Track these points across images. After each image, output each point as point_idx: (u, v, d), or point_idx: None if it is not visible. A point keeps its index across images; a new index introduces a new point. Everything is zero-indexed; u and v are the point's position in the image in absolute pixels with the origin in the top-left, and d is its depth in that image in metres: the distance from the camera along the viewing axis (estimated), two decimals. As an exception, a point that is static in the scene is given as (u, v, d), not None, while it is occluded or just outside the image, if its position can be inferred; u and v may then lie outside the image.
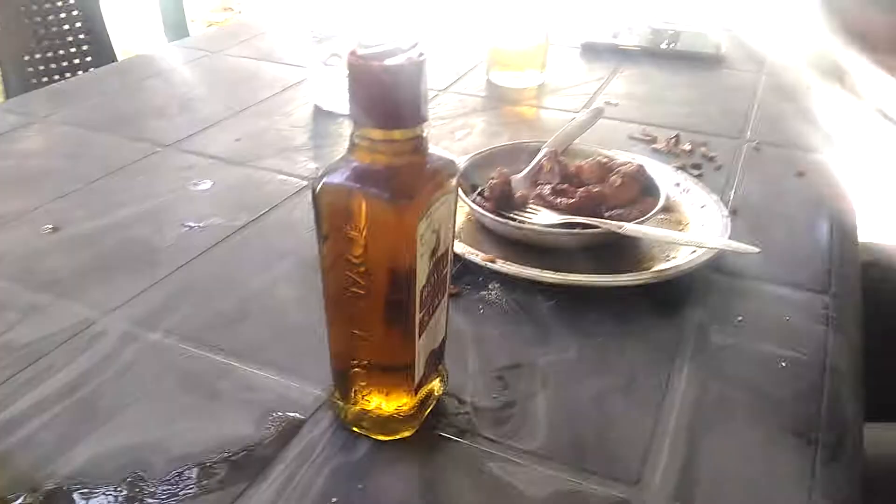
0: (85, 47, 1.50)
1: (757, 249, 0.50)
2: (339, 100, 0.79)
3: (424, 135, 0.33)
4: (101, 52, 1.51)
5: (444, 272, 0.38)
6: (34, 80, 1.46)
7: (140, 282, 0.51)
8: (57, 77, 1.47)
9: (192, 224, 0.58)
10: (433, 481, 0.37)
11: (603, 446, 0.39)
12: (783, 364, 0.45)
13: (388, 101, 0.31)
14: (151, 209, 0.60)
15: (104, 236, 0.57)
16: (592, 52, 1.00)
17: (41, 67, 1.48)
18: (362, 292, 0.35)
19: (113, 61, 1.48)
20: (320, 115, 0.79)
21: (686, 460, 0.38)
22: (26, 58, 1.44)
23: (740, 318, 0.49)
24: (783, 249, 0.57)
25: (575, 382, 0.43)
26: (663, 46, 0.99)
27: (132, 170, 0.67)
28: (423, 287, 0.35)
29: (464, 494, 0.36)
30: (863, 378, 0.47)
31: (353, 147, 0.33)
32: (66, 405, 0.40)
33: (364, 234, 0.33)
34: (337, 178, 0.33)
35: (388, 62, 0.31)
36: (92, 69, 1.45)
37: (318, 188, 0.33)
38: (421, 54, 0.32)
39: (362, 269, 0.34)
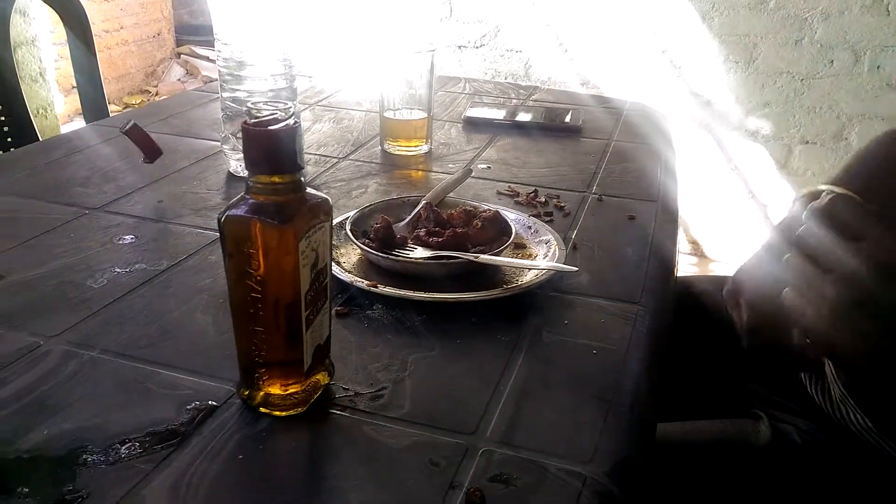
0: (6, 129, 1.58)
1: (576, 268, 0.64)
2: (250, 167, 0.91)
3: (301, 178, 0.46)
4: (22, 134, 1.59)
5: (325, 282, 0.50)
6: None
7: (77, 315, 0.61)
8: (-24, 157, 1.53)
9: (119, 270, 0.69)
10: (319, 441, 0.48)
11: (451, 411, 0.51)
12: (594, 352, 0.59)
13: (271, 155, 0.44)
14: (83, 259, 0.70)
15: (43, 282, 0.66)
16: (472, 125, 1.17)
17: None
18: (260, 296, 0.46)
19: (34, 142, 1.56)
20: (232, 180, 0.91)
21: (512, 416, 0.51)
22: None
23: (566, 322, 0.63)
24: (609, 273, 0.72)
25: (435, 371, 0.56)
26: (532, 120, 1.17)
27: (63, 229, 0.77)
28: (307, 292, 0.47)
29: (342, 448, 0.47)
30: (659, 363, 0.62)
31: (248, 189, 0.46)
32: (21, 405, 0.50)
33: (259, 251, 0.45)
34: (237, 211, 0.45)
35: (271, 128, 0.44)
36: (12, 149, 1.52)
37: (223, 218, 0.45)
38: (295, 122, 0.45)
39: (259, 278, 0.46)
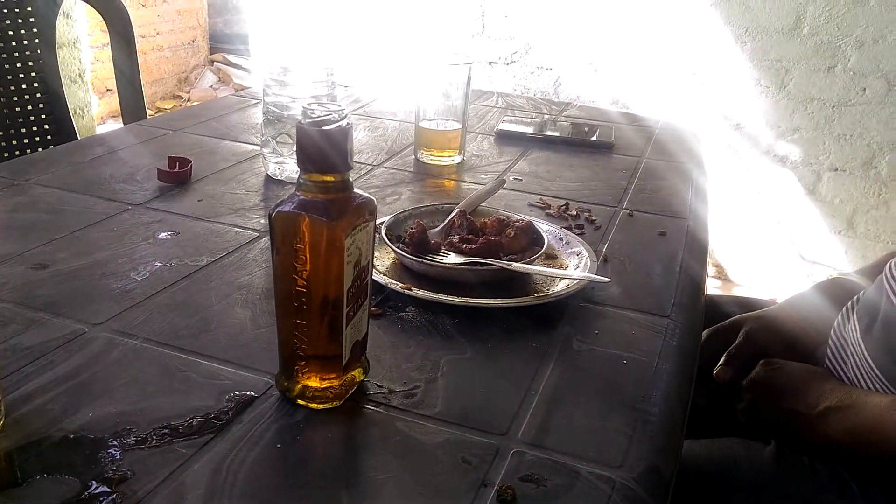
0: (47, 126, 1.62)
1: (608, 279, 0.65)
2: (288, 171, 0.93)
3: (349, 178, 0.47)
4: (62, 133, 1.63)
5: (365, 280, 0.51)
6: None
7: (120, 305, 0.63)
8: (18, 153, 1.57)
9: (160, 264, 0.70)
10: (354, 434, 0.49)
11: (483, 412, 0.52)
12: (625, 361, 0.60)
13: (323, 154, 0.46)
14: (126, 252, 0.72)
15: (87, 272, 0.68)
16: (505, 138, 1.18)
17: (3, 143, 1.59)
18: (304, 290, 0.48)
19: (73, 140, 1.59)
20: (270, 182, 0.93)
21: (543, 420, 0.51)
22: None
23: (597, 332, 0.64)
24: (639, 286, 0.73)
25: (467, 373, 0.57)
26: (564, 135, 1.18)
27: (107, 223, 0.79)
28: (349, 288, 0.49)
29: (376, 441, 0.49)
30: (689, 376, 0.62)
31: (299, 186, 0.47)
32: (67, 387, 0.51)
33: (307, 246, 0.47)
34: (287, 207, 0.47)
35: (324, 128, 0.45)
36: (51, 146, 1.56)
37: (274, 214, 0.47)
38: (348, 123, 0.46)
39: (305, 273, 0.47)
